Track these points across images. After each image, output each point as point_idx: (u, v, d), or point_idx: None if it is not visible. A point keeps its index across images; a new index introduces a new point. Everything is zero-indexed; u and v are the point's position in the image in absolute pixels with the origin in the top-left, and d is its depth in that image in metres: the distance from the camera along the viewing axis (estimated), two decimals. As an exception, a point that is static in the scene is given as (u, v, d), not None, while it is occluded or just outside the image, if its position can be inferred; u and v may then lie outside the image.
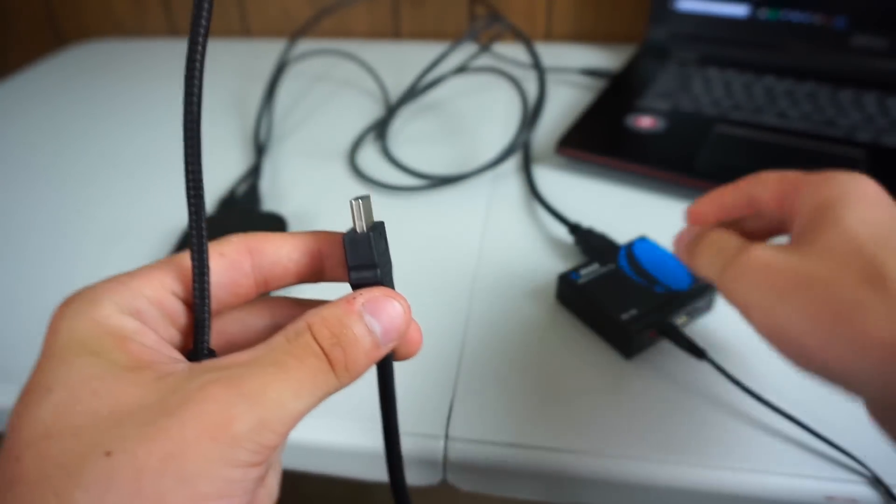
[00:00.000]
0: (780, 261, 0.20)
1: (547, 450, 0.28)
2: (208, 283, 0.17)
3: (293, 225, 0.42)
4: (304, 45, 0.63)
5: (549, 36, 0.74)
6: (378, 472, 0.30)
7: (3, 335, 0.35)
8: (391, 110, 0.55)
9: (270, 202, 0.46)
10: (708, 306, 0.34)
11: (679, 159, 0.45)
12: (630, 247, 0.35)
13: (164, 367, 0.16)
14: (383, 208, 0.45)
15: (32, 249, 0.42)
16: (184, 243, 0.39)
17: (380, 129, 0.54)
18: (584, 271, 0.34)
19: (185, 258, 0.18)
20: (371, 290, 0.18)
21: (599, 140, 0.48)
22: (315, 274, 0.20)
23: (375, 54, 0.66)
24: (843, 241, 0.19)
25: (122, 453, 0.14)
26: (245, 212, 0.43)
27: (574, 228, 0.39)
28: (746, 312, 0.21)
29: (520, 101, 0.50)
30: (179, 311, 0.18)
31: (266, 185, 0.48)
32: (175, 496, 0.13)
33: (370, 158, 0.51)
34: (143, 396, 0.15)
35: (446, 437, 0.29)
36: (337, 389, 0.17)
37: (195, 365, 0.16)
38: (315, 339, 0.16)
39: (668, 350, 0.32)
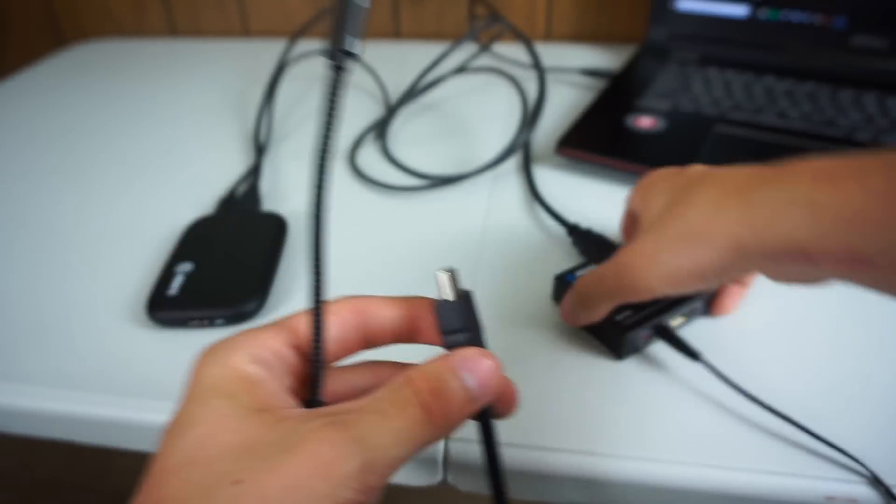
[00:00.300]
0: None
1: (546, 450, 0.28)
2: (323, 342, 0.20)
3: (293, 225, 0.42)
4: (304, 45, 0.63)
5: (549, 36, 0.74)
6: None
7: (3, 335, 0.35)
8: (391, 110, 0.55)
9: (270, 202, 0.46)
10: (705, 308, 0.33)
11: (679, 159, 0.45)
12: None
13: (284, 411, 0.18)
14: (383, 208, 0.45)
15: (32, 249, 0.42)
16: (184, 242, 0.39)
17: (380, 129, 0.54)
18: (580, 272, 0.34)
19: (302, 317, 0.21)
20: (466, 349, 0.20)
21: (599, 140, 0.48)
22: (410, 335, 0.23)
23: (375, 54, 0.66)
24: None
25: (249, 483, 0.16)
26: (245, 212, 0.43)
27: (572, 229, 0.39)
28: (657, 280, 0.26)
29: (520, 101, 0.50)
30: (297, 364, 0.21)
31: (266, 186, 0.48)
32: None
33: (370, 158, 0.51)
34: (266, 434, 0.17)
35: (446, 437, 0.29)
36: (434, 439, 0.18)
37: (310, 410, 0.19)
38: (414, 391, 0.18)
39: (663, 351, 0.32)
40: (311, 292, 0.19)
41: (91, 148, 0.54)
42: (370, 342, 0.22)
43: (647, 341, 0.32)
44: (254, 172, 0.48)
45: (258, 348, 0.20)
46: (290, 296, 0.37)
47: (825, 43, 0.56)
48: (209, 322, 0.34)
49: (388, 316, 0.22)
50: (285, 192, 0.47)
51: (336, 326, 0.21)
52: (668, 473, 0.27)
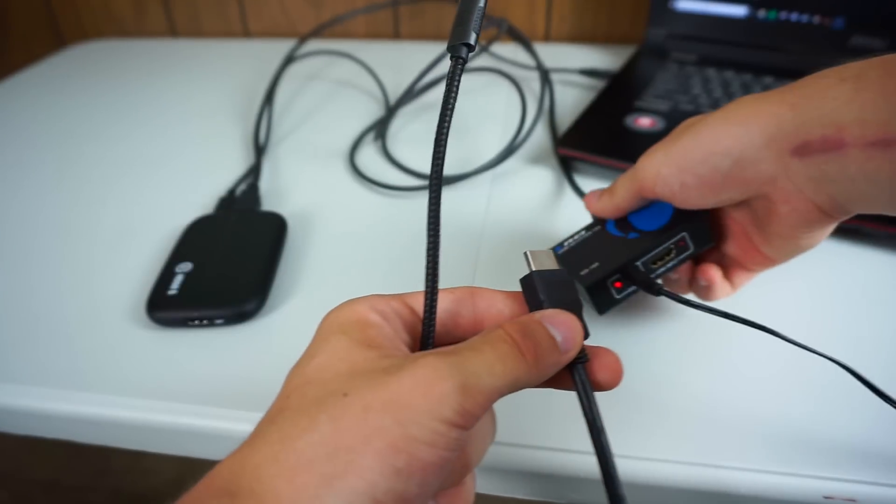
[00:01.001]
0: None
1: (546, 450, 0.28)
2: (436, 293, 0.21)
3: (293, 225, 0.42)
4: (303, 46, 0.63)
5: (549, 37, 0.75)
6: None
7: (3, 335, 0.35)
8: (391, 110, 0.55)
9: (270, 202, 0.46)
10: (695, 246, 0.30)
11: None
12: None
13: (391, 350, 0.20)
14: (382, 208, 0.45)
15: (32, 249, 0.42)
16: (183, 242, 0.39)
17: (379, 129, 0.54)
18: (567, 242, 0.33)
19: (421, 293, 0.22)
20: (549, 310, 0.22)
21: (599, 140, 0.48)
22: None
23: (375, 54, 0.66)
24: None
25: (355, 394, 0.18)
26: (245, 211, 0.43)
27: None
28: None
29: (519, 101, 0.51)
30: (415, 323, 0.23)
31: (266, 185, 0.48)
32: (391, 432, 0.17)
33: (370, 158, 0.51)
34: (373, 363, 0.19)
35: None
36: (528, 379, 0.20)
37: (414, 353, 0.21)
38: (506, 331, 0.20)
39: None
40: (428, 245, 0.21)
41: (91, 148, 0.54)
42: (482, 325, 0.23)
43: (622, 290, 0.30)
44: (253, 172, 0.48)
45: (380, 302, 0.22)
46: (290, 295, 0.37)
47: (824, 43, 0.56)
48: (209, 322, 0.35)
49: (499, 304, 0.23)
50: (285, 192, 0.47)
51: (450, 300, 0.23)
52: (669, 473, 0.27)
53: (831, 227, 0.28)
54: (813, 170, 0.24)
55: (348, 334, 0.20)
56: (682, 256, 0.30)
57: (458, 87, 0.20)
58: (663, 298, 0.31)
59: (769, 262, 0.30)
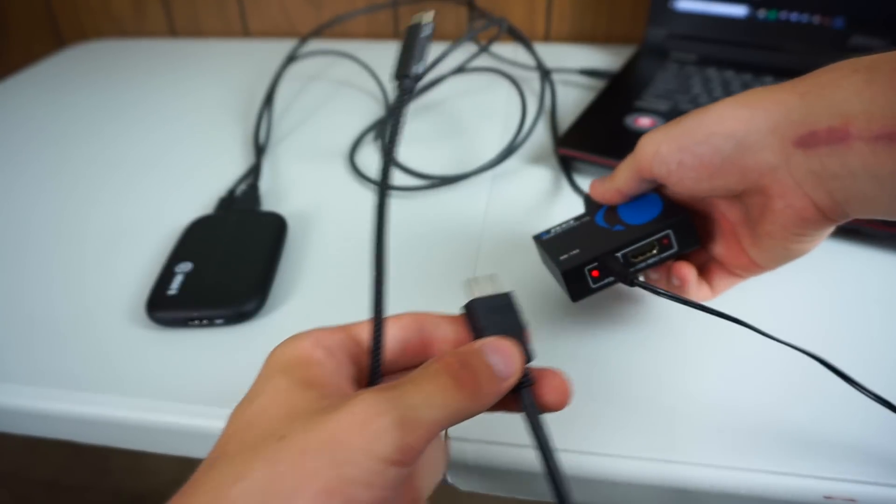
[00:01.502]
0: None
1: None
2: (382, 329, 0.21)
3: (293, 225, 0.42)
4: (304, 46, 0.63)
5: (549, 37, 0.75)
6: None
7: (3, 335, 0.35)
8: (391, 110, 0.55)
9: (270, 202, 0.46)
10: (679, 246, 0.30)
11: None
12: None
13: (333, 388, 0.20)
14: (383, 208, 0.45)
15: (32, 249, 0.42)
16: (183, 242, 0.39)
17: (379, 129, 0.54)
18: (554, 229, 0.33)
19: (367, 323, 0.22)
20: (489, 338, 0.22)
21: (599, 140, 0.48)
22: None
23: (375, 55, 0.66)
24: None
25: (292, 437, 0.18)
26: (245, 211, 0.43)
27: (587, 196, 0.37)
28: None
29: (519, 101, 0.51)
30: (360, 355, 0.22)
31: (266, 185, 0.48)
32: (326, 474, 0.17)
33: (370, 158, 0.51)
34: (312, 404, 0.19)
35: (446, 436, 0.29)
36: (469, 409, 0.20)
37: (357, 391, 0.20)
38: (444, 364, 0.20)
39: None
40: (373, 281, 0.21)
41: (90, 148, 0.54)
42: (430, 351, 0.23)
43: (599, 281, 0.30)
44: (253, 172, 0.48)
45: (325, 337, 0.22)
46: (290, 295, 0.37)
47: (824, 43, 0.56)
48: (209, 322, 0.35)
49: (445, 331, 0.23)
50: (285, 192, 0.47)
51: (397, 328, 0.23)
52: (669, 473, 0.27)
53: (823, 234, 0.27)
54: (815, 163, 0.23)
55: (289, 374, 0.20)
56: (664, 255, 0.30)
57: (404, 114, 0.21)
58: (653, 300, 0.31)
59: (755, 267, 0.29)
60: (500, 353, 0.21)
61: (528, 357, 0.22)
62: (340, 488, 0.17)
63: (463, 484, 0.30)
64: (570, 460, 0.28)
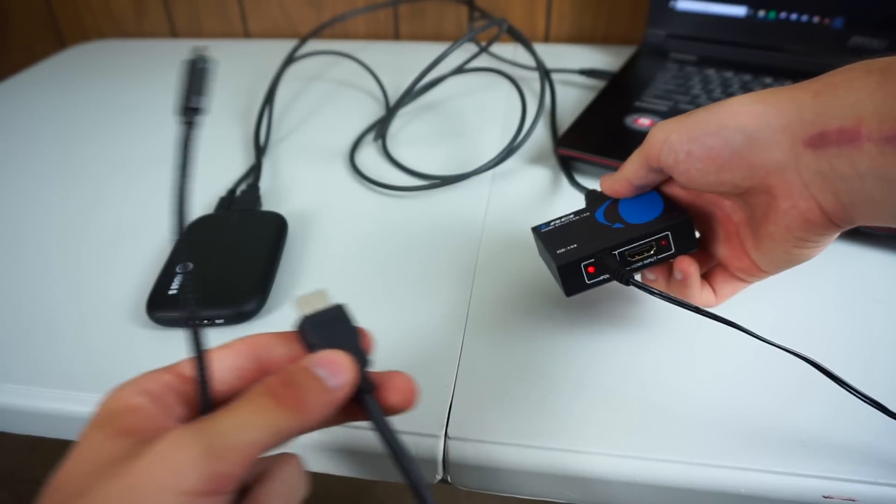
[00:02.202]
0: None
1: (547, 449, 0.28)
2: (206, 369, 0.21)
3: (293, 225, 0.42)
4: (304, 46, 0.63)
5: (549, 37, 0.75)
6: (380, 472, 0.30)
7: (3, 335, 0.35)
8: (391, 110, 0.56)
9: (270, 202, 0.46)
10: (677, 248, 0.30)
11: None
12: (617, 199, 0.32)
13: (152, 433, 0.19)
14: (383, 208, 0.45)
15: (32, 249, 0.42)
16: (184, 241, 0.39)
17: (379, 129, 0.54)
18: (553, 222, 0.32)
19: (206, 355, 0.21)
20: (319, 352, 0.21)
21: (599, 140, 0.48)
22: None
23: (375, 55, 0.66)
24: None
25: (90, 493, 0.17)
26: (245, 211, 0.43)
27: (588, 192, 0.37)
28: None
29: (519, 101, 0.51)
30: (189, 393, 0.21)
31: (266, 185, 0.48)
32: None
33: (370, 158, 0.51)
34: (124, 452, 0.18)
35: (446, 435, 0.29)
36: (295, 424, 0.19)
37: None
38: (265, 385, 0.20)
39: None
40: (190, 331, 0.20)
41: (91, 148, 0.54)
42: (268, 374, 0.22)
43: (594, 277, 0.30)
44: (254, 172, 0.48)
45: (149, 381, 0.21)
46: (290, 295, 0.37)
47: (824, 43, 0.56)
48: (209, 322, 0.35)
49: (280, 350, 0.22)
50: (285, 192, 0.47)
51: (229, 357, 0.22)
52: (669, 472, 0.27)
53: (826, 240, 0.26)
54: (824, 164, 0.23)
55: (104, 427, 0.19)
56: (661, 256, 0.30)
57: (191, 146, 0.21)
58: (651, 299, 0.31)
59: (757, 270, 0.29)
60: (327, 366, 0.20)
61: (364, 363, 0.22)
62: None
63: (463, 482, 0.30)
64: (570, 460, 0.28)
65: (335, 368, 0.20)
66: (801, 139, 0.24)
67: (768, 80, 0.55)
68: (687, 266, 0.30)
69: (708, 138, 0.26)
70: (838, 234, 0.26)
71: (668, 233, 0.30)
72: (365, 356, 0.22)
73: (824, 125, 0.23)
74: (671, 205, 0.30)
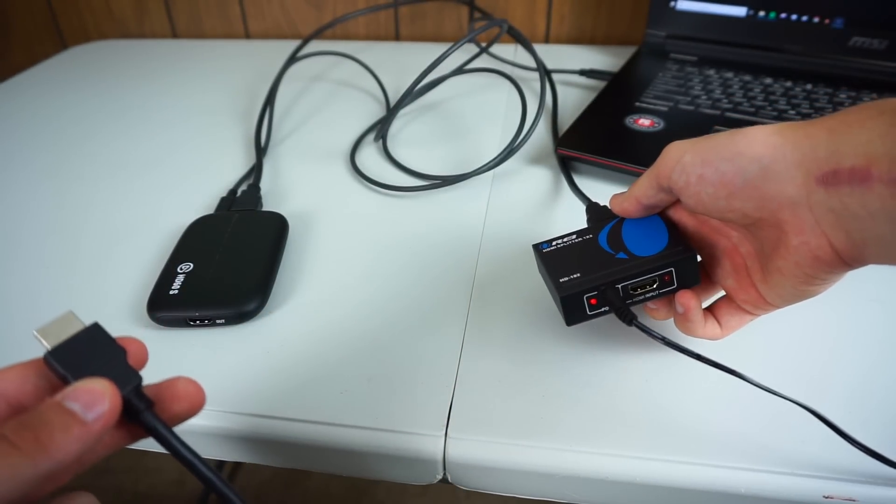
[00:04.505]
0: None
1: (547, 449, 0.28)
2: None
3: (294, 225, 0.42)
4: (304, 47, 0.63)
5: (549, 38, 0.75)
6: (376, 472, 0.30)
7: (3, 335, 0.35)
8: (391, 111, 0.56)
9: (271, 202, 0.46)
10: (680, 283, 0.30)
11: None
12: (620, 222, 0.32)
13: None
14: (383, 208, 0.45)
15: (34, 249, 0.42)
16: (186, 242, 0.39)
17: (380, 129, 0.54)
18: (556, 242, 0.32)
19: None
20: (72, 385, 0.19)
21: (599, 140, 0.48)
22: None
23: (375, 56, 0.66)
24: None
25: None
26: (246, 211, 0.44)
27: (589, 206, 0.38)
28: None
29: (519, 101, 0.51)
30: None
31: (267, 185, 0.48)
32: None
33: (370, 159, 0.51)
34: None
35: (446, 435, 0.29)
36: (38, 469, 0.18)
37: None
38: (1, 432, 0.18)
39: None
40: None
41: (92, 148, 0.54)
42: (19, 409, 0.21)
43: (596, 309, 0.30)
44: (255, 172, 0.48)
45: None
46: (290, 295, 0.37)
47: (824, 43, 0.56)
48: (210, 322, 0.35)
49: (31, 382, 0.21)
50: (286, 192, 0.47)
51: None
52: (669, 472, 0.27)
53: (835, 278, 0.26)
54: (835, 202, 0.23)
55: None
56: (664, 290, 0.30)
57: None
58: None
59: (763, 303, 0.28)
60: (80, 395, 0.19)
61: (131, 382, 0.21)
62: None
63: (463, 482, 0.30)
64: (569, 459, 0.28)
65: (90, 398, 0.19)
66: (814, 176, 0.24)
67: (768, 80, 0.55)
68: (688, 300, 0.29)
69: (722, 164, 0.26)
70: (847, 272, 0.25)
71: (673, 269, 0.29)
72: (132, 374, 0.21)
73: (837, 163, 0.23)
74: (676, 236, 0.30)
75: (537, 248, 0.32)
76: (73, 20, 0.82)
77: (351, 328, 0.35)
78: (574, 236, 0.32)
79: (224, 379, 0.32)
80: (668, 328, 0.33)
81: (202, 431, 0.30)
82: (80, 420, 0.19)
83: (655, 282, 0.29)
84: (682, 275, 0.29)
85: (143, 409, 0.21)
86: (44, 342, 0.21)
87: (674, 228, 0.30)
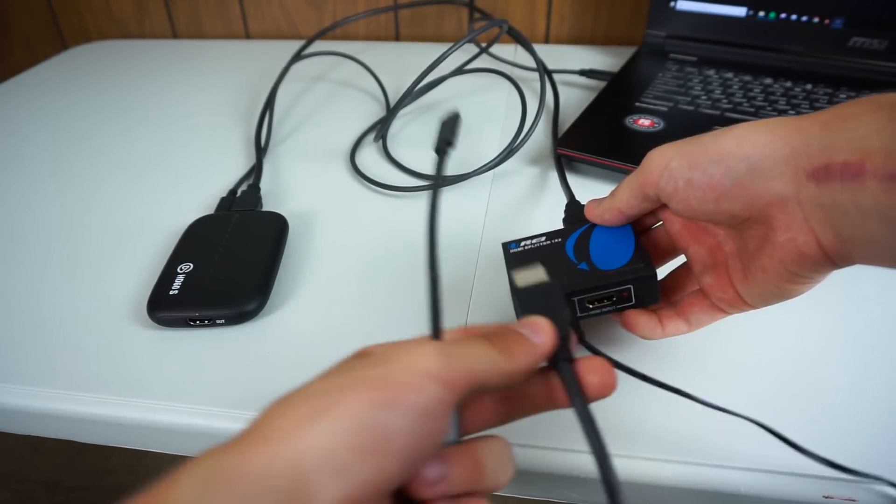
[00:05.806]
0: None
1: (547, 449, 0.28)
2: (439, 289, 0.23)
3: (294, 225, 0.42)
4: (304, 47, 0.63)
5: (549, 38, 0.75)
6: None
7: (4, 335, 0.36)
8: (391, 111, 0.56)
9: (271, 202, 0.46)
10: (637, 301, 0.30)
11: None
12: (591, 228, 0.32)
13: None
14: (383, 208, 0.45)
15: (34, 249, 0.42)
16: (185, 242, 0.39)
17: (380, 129, 0.54)
18: (525, 243, 0.32)
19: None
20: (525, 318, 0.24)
21: (599, 140, 0.48)
22: None
23: (376, 56, 0.66)
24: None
25: (341, 377, 0.20)
26: (246, 211, 0.44)
27: (569, 203, 0.37)
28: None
29: (519, 101, 0.51)
30: None
31: (267, 185, 0.48)
32: (376, 373, 0.19)
33: (370, 159, 0.51)
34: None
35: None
36: (505, 366, 0.21)
37: None
38: (481, 332, 0.22)
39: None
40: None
41: (93, 148, 0.54)
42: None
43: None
44: (255, 172, 0.48)
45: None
46: (291, 295, 0.37)
47: (824, 43, 0.56)
48: (210, 322, 0.35)
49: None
50: (286, 192, 0.47)
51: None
52: (669, 472, 0.27)
53: (818, 278, 0.25)
54: (826, 197, 0.23)
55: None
56: (621, 306, 0.30)
57: (443, 172, 0.25)
58: None
59: (740, 302, 0.28)
60: (530, 325, 0.23)
61: (565, 334, 0.23)
62: (389, 385, 0.18)
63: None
64: (569, 459, 0.28)
65: (536, 326, 0.23)
66: (804, 170, 0.23)
67: (768, 80, 0.55)
68: (631, 322, 0.30)
69: (711, 166, 0.25)
70: (831, 271, 0.25)
71: (631, 286, 0.29)
72: (567, 328, 0.23)
73: (829, 158, 0.23)
74: (641, 251, 0.29)
75: (506, 247, 0.32)
76: (73, 20, 0.82)
77: (351, 328, 0.35)
78: (543, 238, 0.32)
79: (224, 379, 0.32)
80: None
81: (202, 431, 0.30)
82: (529, 341, 0.22)
83: (613, 297, 0.29)
84: (640, 293, 0.29)
85: (564, 359, 0.23)
86: (515, 280, 0.25)
87: (640, 240, 0.30)
